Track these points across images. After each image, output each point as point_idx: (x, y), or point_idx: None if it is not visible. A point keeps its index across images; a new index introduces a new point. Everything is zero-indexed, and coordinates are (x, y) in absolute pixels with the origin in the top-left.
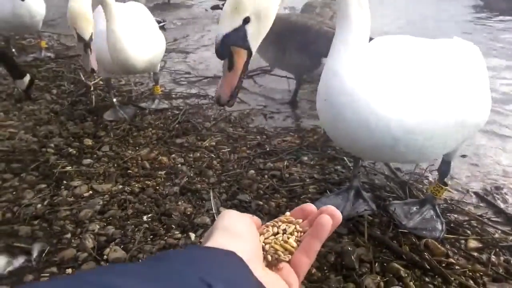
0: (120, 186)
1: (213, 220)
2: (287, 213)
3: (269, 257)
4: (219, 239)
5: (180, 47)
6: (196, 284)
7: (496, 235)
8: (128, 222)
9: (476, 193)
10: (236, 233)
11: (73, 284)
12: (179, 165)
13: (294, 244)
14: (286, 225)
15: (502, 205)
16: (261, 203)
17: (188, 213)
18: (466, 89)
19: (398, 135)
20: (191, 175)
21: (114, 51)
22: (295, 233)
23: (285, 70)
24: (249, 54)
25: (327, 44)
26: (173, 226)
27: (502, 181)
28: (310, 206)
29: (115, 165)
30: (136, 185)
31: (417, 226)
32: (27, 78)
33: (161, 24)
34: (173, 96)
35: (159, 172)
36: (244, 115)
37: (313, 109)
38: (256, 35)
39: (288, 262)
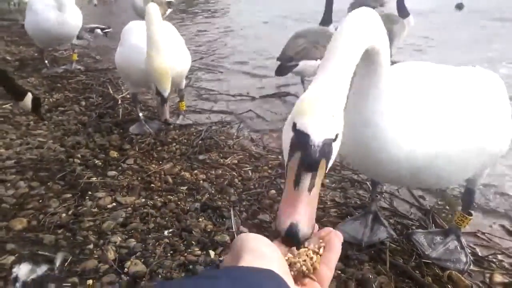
0: (143, 200)
1: (233, 239)
2: None
3: (295, 273)
4: (251, 262)
5: (205, 63)
6: None
7: None
8: (149, 236)
9: (502, 226)
10: (263, 254)
11: None
12: (201, 181)
13: (316, 259)
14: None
15: None
16: None
17: (209, 230)
18: (486, 117)
19: (420, 164)
20: (213, 191)
21: (153, 61)
22: (315, 249)
23: None
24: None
25: None
26: (193, 242)
27: None
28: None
29: (139, 178)
30: (159, 199)
31: (441, 257)
32: (29, 97)
33: (105, 31)
34: (198, 112)
35: (181, 188)
36: (266, 135)
37: None
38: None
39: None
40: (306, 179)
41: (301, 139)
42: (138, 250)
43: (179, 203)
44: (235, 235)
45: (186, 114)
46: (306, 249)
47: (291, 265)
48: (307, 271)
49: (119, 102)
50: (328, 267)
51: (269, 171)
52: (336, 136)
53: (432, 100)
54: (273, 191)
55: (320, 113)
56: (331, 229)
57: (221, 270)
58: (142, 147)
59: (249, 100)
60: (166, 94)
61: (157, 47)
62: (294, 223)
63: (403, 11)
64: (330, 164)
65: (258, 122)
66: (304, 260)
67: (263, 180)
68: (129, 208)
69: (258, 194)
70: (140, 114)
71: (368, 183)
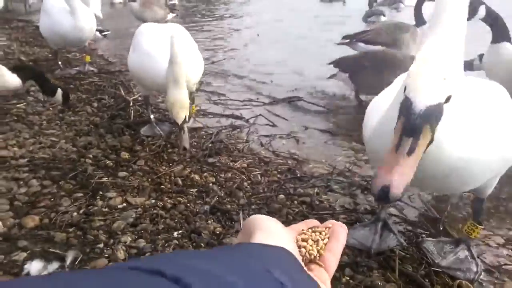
0: (153, 201)
1: None
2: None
3: (303, 258)
4: (263, 239)
5: (216, 67)
6: (260, 270)
7: None
8: (159, 237)
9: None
10: (276, 233)
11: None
12: (211, 184)
13: (323, 245)
14: (310, 230)
15: None
16: None
17: (218, 232)
18: (508, 126)
19: (454, 166)
20: (222, 195)
21: (172, 96)
22: (322, 235)
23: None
24: (431, 142)
25: None
26: (202, 244)
27: None
28: (315, 221)
29: (149, 179)
30: (168, 200)
31: (451, 266)
32: (59, 92)
33: (104, 33)
34: (208, 116)
35: (191, 190)
36: (276, 140)
37: (344, 139)
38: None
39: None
40: (406, 144)
41: (405, 104)
42: (148, 251)
43: (188, 205)
44: None
45: (197, 118)
46: (314, 234)
47: (299, 248)
48: (314, 256)
49: (131, 104)
50: (333, 254)
51: (278, 175)
52: (448, 98)
53: (468, 108)
54: (282, 196)
55: (427, 77)
56: (335, 221)
57: (234, 246)
58: (152, 148)
59: (259, 105)
60: (179, 122)
61: (178, 83)
62: (386, 185)
63: (419, 19)
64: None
65: (268, 127)
66: (311, 245)
67: (272, 185)
68: (139, 209)
69: (267, 198)
70: (151, 116)
71: None
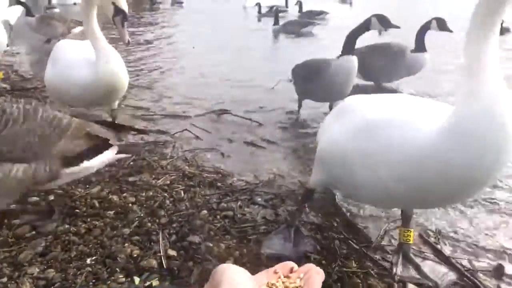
0: (66, 226)
1: (160, 263)
2: (273, 269)
3: None
4: None
5: (141, 82)
6: None
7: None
8: (71, 265)
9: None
10: (241, 286)
11: None
12: (130, 205)
13: None
14: (279, 280)
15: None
16: (211, 245)
17: (135, 255)
18: None
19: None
20: (142, 215)
21: (107, 71)
22: (290, 286)
23: None
24: None
25: None
26: (117, 269)
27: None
28: (290, 264)
29: (62, 204)
30: (83, 225)
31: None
32: None
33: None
34: (131, 132)
35: (108, 212)
36: (201, 154)
37: (271, 151)
38: None
39: None
40: None
41: None
42: (57, 281)
43: (104, 228)
44: (163, 259)
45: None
46: (285, 282)
47: None
48: None
49: None
50: None
51: (202, 191)
52: None
53: None
54: (204, 211)
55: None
56: (312, 265)
57: None
58: None
59: (184, 119)
60: (126, 7)
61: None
62: None
63: (419, 46)
64: None
65: (193, 141)
66: None
67: (195, 200)
68: (50, 236)
69: (189, 215)
70: None
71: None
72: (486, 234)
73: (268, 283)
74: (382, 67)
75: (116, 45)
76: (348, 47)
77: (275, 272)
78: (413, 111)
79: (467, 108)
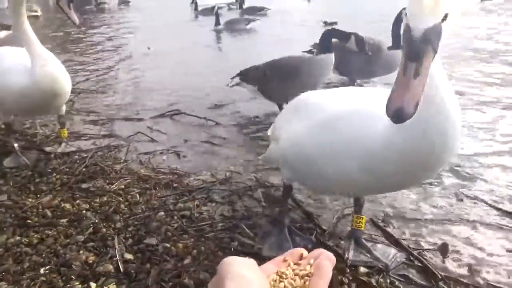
0: (18, 238)
1: (117, 268)
2: (281, 257)
3: None
4: None
5: (91, 85)
6: None
7: None
8: (24, 276)
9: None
10: (248, 282)
11: None
12: (84, 211)
13: (300, 284)
14: (288, 268)
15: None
16: (168, 245)
17: (90, 261)
18: None
19: None
20: (96, 221)
21: (44, 75)
22: (300, 273)
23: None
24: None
25: None
26: (73, 276)
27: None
28: (301, 250)
29: (13, 215)
30: (35, 235)
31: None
32: None
33: None
34: (83, 138)
35: (61, 221)
36: (156, 156)
37: (228, 149)
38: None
39: None
40: (412, 68)
41: (405, 31)
42: None
43: (57, 237)
44: (119, 263)
45: (70, 141)
46: (295, 269)
47: (275, 285)
48: None
49: None
50: None
51: (158, 193)
52: (445, 16)
53: None
54: (161, 213)
55: (421, 1)
56: (323, 250)
57: None
58: (17, 180)
59: (138, 122)
60: None
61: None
62: (399, 106)
63: (396, 42)
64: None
65: (148, 144)
66: (290, 282)
67: (151, 203)
68: (1, 249)
69: (145, 218)
70: (15, 145)
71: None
72: (432, 214)
73: (278, 271)
74: (356, 64)
75: (62, 47)
76: (325, 45)
77: (285, 260)
78: (370, 102)
79: None
